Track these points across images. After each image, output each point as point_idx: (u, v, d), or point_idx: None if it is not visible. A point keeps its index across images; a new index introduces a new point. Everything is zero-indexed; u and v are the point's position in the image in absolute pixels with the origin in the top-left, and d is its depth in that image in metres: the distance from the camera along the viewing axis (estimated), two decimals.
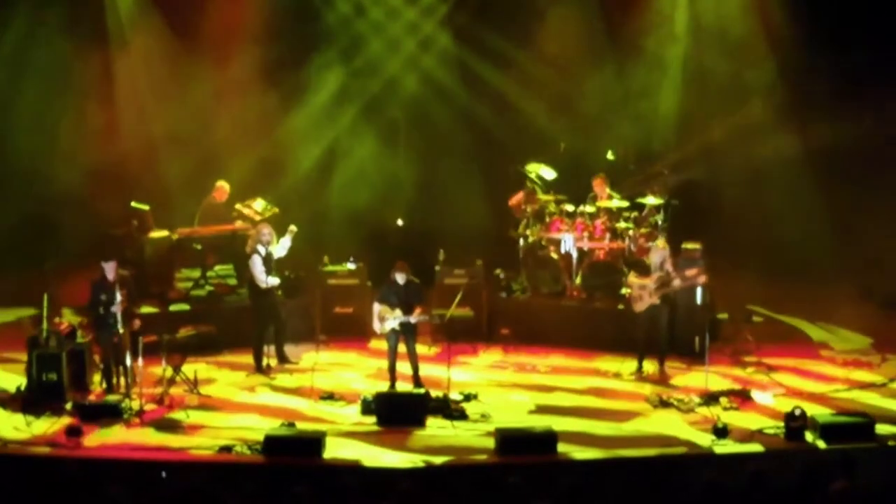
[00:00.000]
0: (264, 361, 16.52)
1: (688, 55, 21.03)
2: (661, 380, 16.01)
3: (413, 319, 15.44)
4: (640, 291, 16.19)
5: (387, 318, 15.44)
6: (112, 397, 14.84)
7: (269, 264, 16.43)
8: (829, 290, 19.30)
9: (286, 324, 16.88)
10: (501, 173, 19.41)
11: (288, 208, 18.82)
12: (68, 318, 16.08)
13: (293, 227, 16.75)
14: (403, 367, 15.70)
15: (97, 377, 15.45)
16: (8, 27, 20.46)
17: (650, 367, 16.26)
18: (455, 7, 21.27)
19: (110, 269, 15.17)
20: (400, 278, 15.50)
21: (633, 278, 16.44)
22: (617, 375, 16.31)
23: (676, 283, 16.06)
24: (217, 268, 18.49)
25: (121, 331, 15.01)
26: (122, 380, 15.18)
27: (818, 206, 20.20)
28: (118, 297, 15.02)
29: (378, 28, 21.43)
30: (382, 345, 15.92)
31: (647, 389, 15.59)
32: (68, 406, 14.56)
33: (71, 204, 20.25)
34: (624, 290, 17.11)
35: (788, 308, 19.18)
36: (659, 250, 16.32)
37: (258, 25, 20.81)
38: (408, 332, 15.53)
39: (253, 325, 16.66)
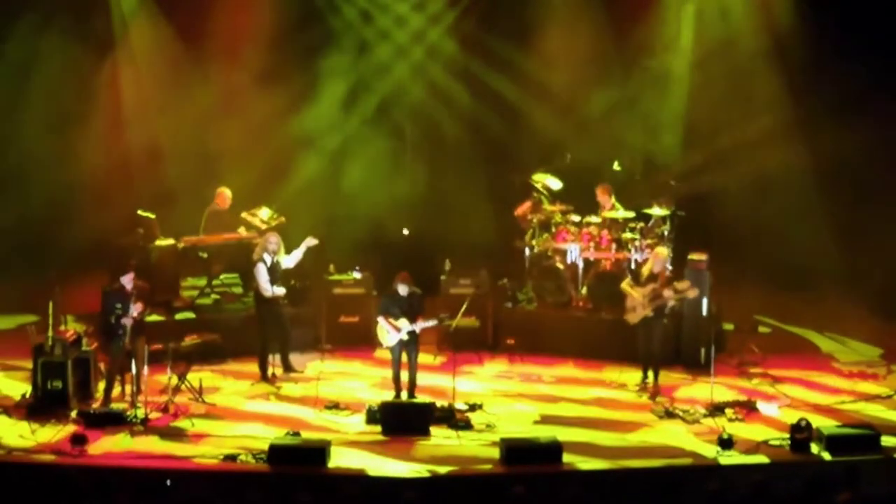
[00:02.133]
0: (269, 370, 16.50)
1: (694, 66, 21.02)
2: (656, 392, 15.92)
3: (418, 328, 15.40)
4: (634, 302, 16.11)
5: (392, 330, 15.37)
6: (117, 405, 14.85)
7: (275, 273, 16.39)
8: (837, 300, 19.29)
9: (291, 332, 16.85)
10: (508, 182, 19.42)
11: (293, 216, 18.81)
12: (72, 326, 16.08)
13: (311, 240, 16.66)
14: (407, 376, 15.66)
15: (102, 385, 15.43)
16: (13, 32, 20.49)
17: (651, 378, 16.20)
18: (462, 15, 21.28)
19: (128, 280, 15.15)
20: (402, 289, 15.44)
21: (627, 287, 16.30)
22: (622, 386, 16.27)
23: (667, 293, 15.97)
24: (223, 276, 18.48)
25: (127, 342, 14.97)
26: (129, 388, 15.15)
27: (826, 217, 20.18)
28: (132, 308, 14.99)
29: (384, 35, 21.43)
30: (387, 354, 15.88)
31: (643, 399, 15.59)
32: (73, 414, 14.55)
33: (76, 211, 20.28)
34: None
35: (796, 319, 19.15)
36: (660, 259, 16.25)
37: (262, 31, 20.82)
38: (412, 343, 15.47)
39: (258, 334, 16.64)
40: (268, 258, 16.35)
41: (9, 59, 20.58)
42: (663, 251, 16.52)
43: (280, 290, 16.44)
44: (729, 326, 17.81)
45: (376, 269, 18.49)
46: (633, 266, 17.71)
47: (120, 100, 21.07)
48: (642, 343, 16.18)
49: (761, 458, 13.38)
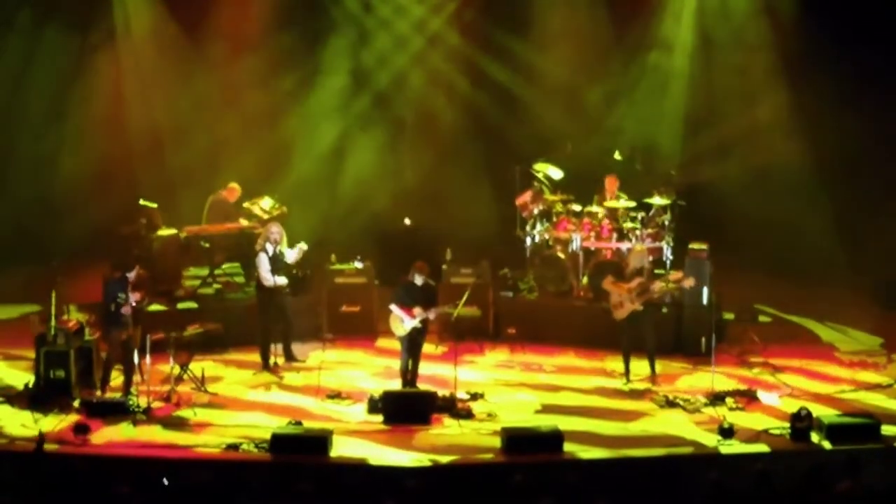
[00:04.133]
0: (271, 359, 16.52)
1: (695, 57, 21.02)
2: (653, 383, 15.90)
3: (432, 315, 15.37)
4: (620, 298, 16.04)
5: (406, 319, 15.35)
6: (116, 395, 14.89)
7: (277, 263, 16.40)
8: (837, 290, 19.32)
9: (293, 322, 16.88)
10: (509, 172, 19.42)
11: (294, 205, 18.82)
12: (75, 316, 16.10)
13: (304, 246, 16.69)
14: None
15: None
16: (15, 23, 20.49)
17: (641, 371, 16.12)
18: (462, 5, 21.27)
19: (134, 273, 15.16)
20: (418, 279, 15.38)
21: (609, 285, 16.17)
22: (623, 375, 16.28)
23: (656, 286, 15.93)
24: (225, 266, 18.50)
25: (130, 331, 15.00)
26: (137, 377, 15.15)
27: (826, 206, 20.21)
28: (131, 297, 14.98)
29: (385, 24, 21.43)
30: (389, 344, 15.88)
31: (643, 389, 15.63)
32: (76, 403, 14.60)
33: (78, 201, 20.29)
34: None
35: (797, 308, 19.17)
36: (638, 254, 16.20)
37: (264, 20, 20.84)
38: (422, 334, 15.46)
39: (260, 324, 16.65)
40: (270, 248, 16.36)
41: (11, 48, 20.59)
42: (640, 247, 16.59)
43: (282, 280, 16.45)
44: (729, 316, 17.83)
45: (377, 258, 18.52)
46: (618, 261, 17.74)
47: (121, 88, 21.09)
48: (627, 338, 16.05)
49: (762, 447, 13.40)
